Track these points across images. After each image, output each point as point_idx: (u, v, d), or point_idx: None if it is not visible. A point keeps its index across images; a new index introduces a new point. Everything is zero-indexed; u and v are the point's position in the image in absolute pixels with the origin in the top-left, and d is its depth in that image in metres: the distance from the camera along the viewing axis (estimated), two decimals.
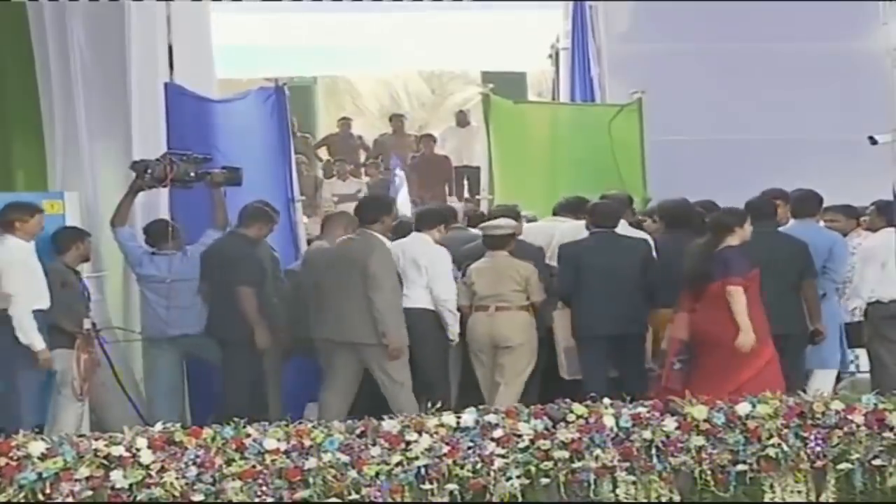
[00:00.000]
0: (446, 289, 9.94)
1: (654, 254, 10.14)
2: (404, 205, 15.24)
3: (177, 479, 7.52)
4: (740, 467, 7.99)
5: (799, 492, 8.00)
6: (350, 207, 11.34)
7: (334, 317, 9.70)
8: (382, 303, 9.58)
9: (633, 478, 7.92)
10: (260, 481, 7.59)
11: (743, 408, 8.10)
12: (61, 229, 10.23)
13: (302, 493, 7.62)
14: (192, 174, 10.18)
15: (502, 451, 7.84)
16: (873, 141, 7.94)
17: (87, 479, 7.46)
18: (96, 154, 11.24)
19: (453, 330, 9.97)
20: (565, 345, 10.20)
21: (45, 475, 7.44)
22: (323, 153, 19.48)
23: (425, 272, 9.91)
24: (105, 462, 7.51)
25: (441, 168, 18.28)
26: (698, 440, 7.99)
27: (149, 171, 10.10)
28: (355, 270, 9.63)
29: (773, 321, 9.55)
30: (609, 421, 7.98)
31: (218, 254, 10.09)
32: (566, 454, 7.88)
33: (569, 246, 10.14)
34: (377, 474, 7.69)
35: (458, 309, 10.01)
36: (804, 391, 8.56)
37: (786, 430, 8.04)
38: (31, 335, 9.47)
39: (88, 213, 10.90)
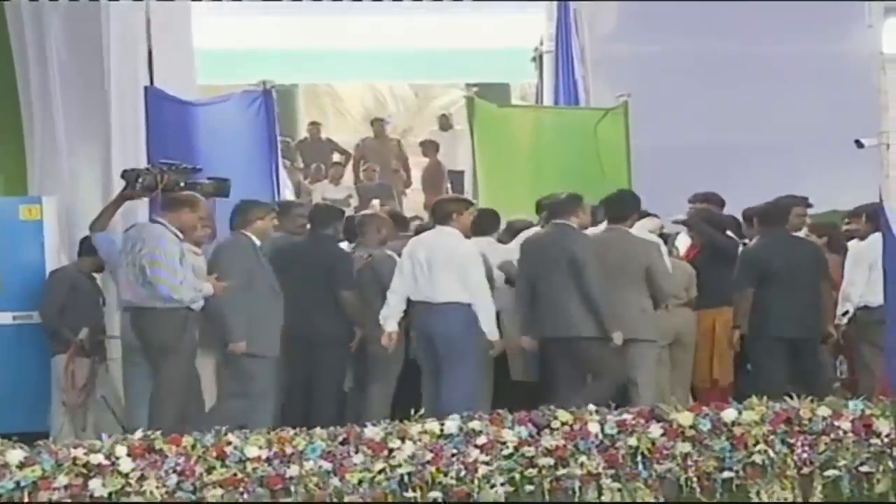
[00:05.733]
0: None
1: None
2: None
3: (157, 487, 7.44)
4: (726, 474, 7.95)
5: (785, 499, 7.96)
6: None
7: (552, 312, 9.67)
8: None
9: (618, 485, 7.87)
10: (241, 489, 7.52)
11: (729, 414, 8.05)
12: (86, 236, 10.26)
13: (284, 501, 7.55)
14: (182, 184, 10.09)
15: (486, 458, 7.78)
16: (859, 144, 7.93)
17: (66, 487, 7.38)
18: (75, 158, 11.18)
19: None
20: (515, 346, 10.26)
21: (22, 483, 7.36)
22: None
23: None
24: (84, 470, 7.43)
25: (440, 174, 18.36)
26: (684, 447, 7.94)
27: (139, 179, 10.01)
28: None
29: (791, 325, 9.63)
30: (594, 427, 7.93)
31: (305, 255, 10.00)
32: (551, 461, 7.82)
33: None
34: (360, 482, 7.62)
35: None
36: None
37: (772, 437, 7.99)
38: (493, 325, 9.61)
39: (67, 218, 10.85)
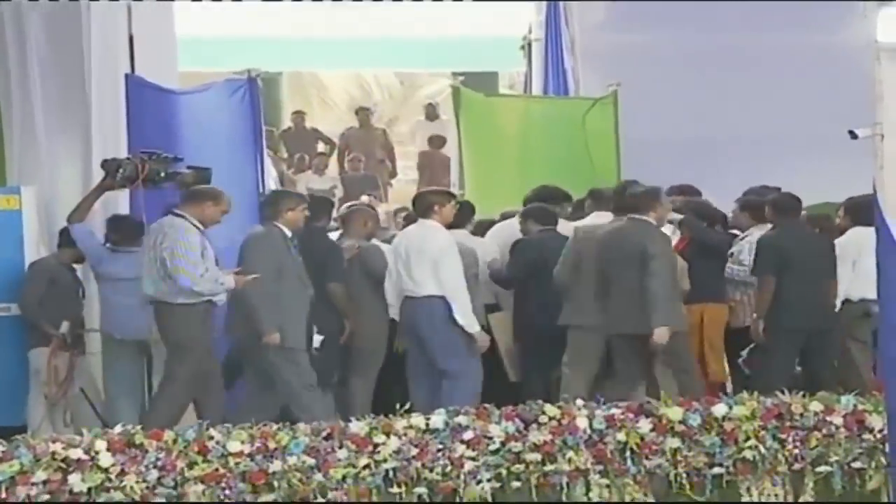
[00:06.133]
0: None
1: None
2: None
3: (137, 482, 7.38)
4: (717, 470, 7.89)
5: (776, 495, 7.90)
6: None
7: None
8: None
9: (606, 481, 7.80)
10: (223, 485, 7.45)
11: (719, 409, 7.98)
12: (65, 227, 10.16)
13: (266, 497, 7.49)
14: (162, 174, 9.98)
15: (473, 454, 7.71)
16: (853, 135, 7.82)
17: (45, 482, 7.31)
18: (54, 148, 11.11)
19: None
20: (506, 348, 10.23)
21: (0, 479, 7.27)
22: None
23: None
24: (63, 465, 7.36)
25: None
26: (673, 442, 7.87)
27: (120, 169, 9.91)
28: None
29: (808, 316, 9.66)
30: (582, 422, 7.86)
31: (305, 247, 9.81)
32: (538, 457, 7.76)
33: None
34: (344, 477, 7.55)
35: None
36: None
37: (763, 432, 7.93)
38: (470, 317, 9.46)
39: (46, 208, 10.77)
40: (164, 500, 7.37)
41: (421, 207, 9.81)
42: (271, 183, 12.39)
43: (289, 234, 9.48)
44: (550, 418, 7.85)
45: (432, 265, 9.50)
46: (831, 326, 9.90)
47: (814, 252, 9.92)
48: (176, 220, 9.16)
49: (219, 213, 9.31)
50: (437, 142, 18.65)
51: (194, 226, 9.10)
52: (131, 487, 7.34)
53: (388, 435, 7.67)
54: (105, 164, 9.98)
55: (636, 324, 9.45)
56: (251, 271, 9.21)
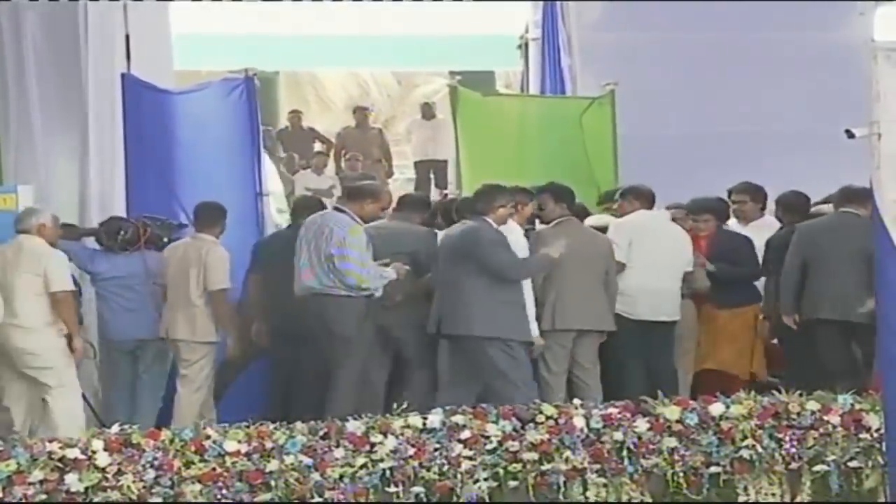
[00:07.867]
0: None
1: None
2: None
3: (134, 482, 7.37)
4: (714, 469, 7.88)
5: (773, 494, 7.90)
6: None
7: None
8: None
9: (603, 480, 7.80)
10: (220, 484, 7.44)
11: (716, 408, 7.97)
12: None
13: (263, 497, 7.48)
14: (166, 240, 10.09)
15: (470, 453, 7.70)
16: (850, 135, 7.82)
17: (41, 482, 7.29)
18: (51, 147, 11.15)
19: None
20: None
21: None
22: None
23: None
24: (60, 465, 7.34)
25: None
26: (670, 441, 7.86)
27: (121, 232, 9.95)
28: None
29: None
30: (579, 422, 7.85)
31: (288, 247, 9.59)
32: (535, 456, 7.75)
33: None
34: (341, 477, 7.55)
35: None
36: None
37: (760, 431, 7.92)
38: (533, 324, 9.30)
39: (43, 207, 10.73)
40: (160, 500, 7.35)
41: None
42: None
43: (498, 228, 9.35)
44: (547, 417, 7.84)
45: None
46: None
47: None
48: (339, 215, 9.23)
49: (378, 210, 9.42)
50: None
51: (357, 222, 9.16)
52: (128, 487, 7.33)
53: (385, 434, 7.65)
54: (105, 224, 10.03)
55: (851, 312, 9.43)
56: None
